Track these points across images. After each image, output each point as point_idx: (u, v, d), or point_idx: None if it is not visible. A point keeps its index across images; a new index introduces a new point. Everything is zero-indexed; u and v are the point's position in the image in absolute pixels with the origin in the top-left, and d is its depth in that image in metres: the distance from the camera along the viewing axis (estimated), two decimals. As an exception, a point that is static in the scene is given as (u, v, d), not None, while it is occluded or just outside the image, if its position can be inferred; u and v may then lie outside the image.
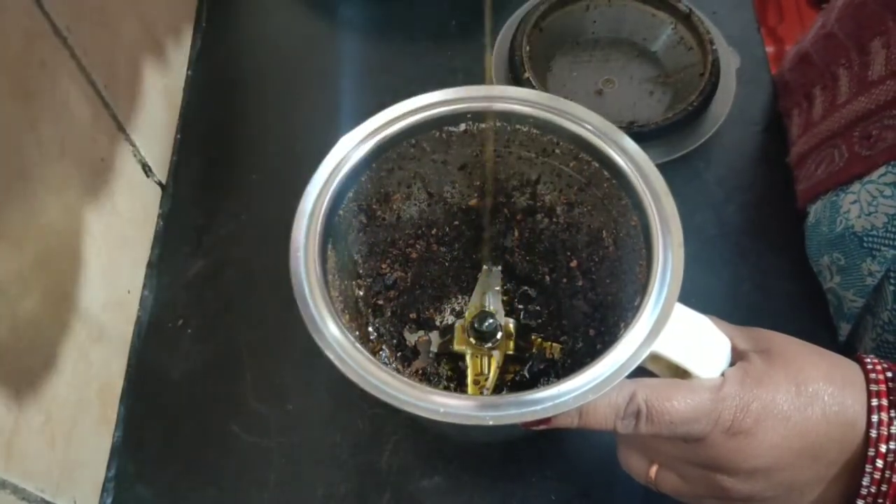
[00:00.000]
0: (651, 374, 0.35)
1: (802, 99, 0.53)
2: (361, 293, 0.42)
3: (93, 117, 0.46)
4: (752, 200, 0.54)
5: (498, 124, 0.40)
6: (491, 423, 0.30)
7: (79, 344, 0.43)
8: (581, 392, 0.31)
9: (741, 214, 0.54)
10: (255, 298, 0.51)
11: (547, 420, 0.32)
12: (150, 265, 0.52)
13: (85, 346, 0.44)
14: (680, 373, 0.34)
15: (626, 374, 0.31)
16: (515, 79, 0.55)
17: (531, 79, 0.54)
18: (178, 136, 0.58)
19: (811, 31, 0.53)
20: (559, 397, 0.30)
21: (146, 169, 0.53)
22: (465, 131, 0.40)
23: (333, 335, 0.32)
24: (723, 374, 0.33)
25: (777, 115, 0.57)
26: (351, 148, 0.38)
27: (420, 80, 0.60)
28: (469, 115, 0.39)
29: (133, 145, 0.51)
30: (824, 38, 0.50)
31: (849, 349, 0.48)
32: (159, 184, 0.55)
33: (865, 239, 0.44)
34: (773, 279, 0.51)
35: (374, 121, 0.38)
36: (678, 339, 0.33)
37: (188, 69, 0.61)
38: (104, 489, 0.45)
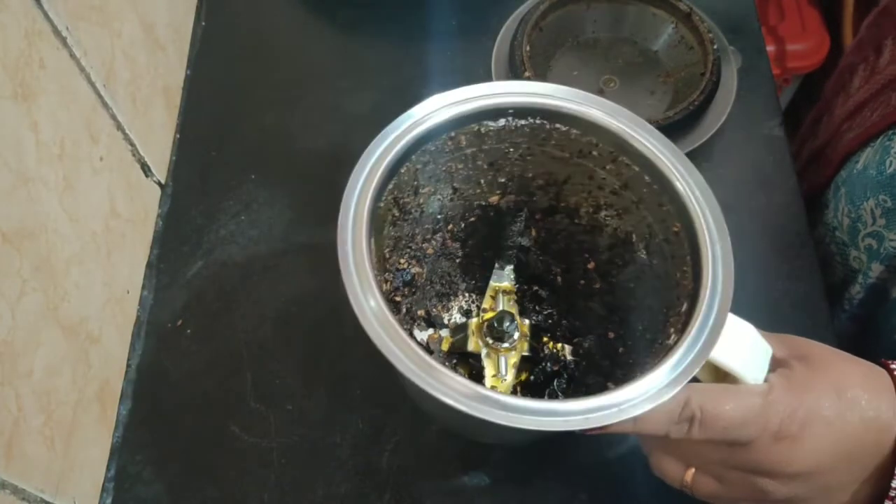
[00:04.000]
0: (693, 379, 0.35)
1: (871, 52, 0.54)
2: (386, 288, 0.42)
3: (92, 117, 0.46)
4: (752, 200, 0.54)
5: (537, 122, 0.39)
6: (576, 429, 0.30)
7: (78, 344, 0.43)
8: (644, 399, 0.31)
9: (742, 214, 0.53)
10: (255, 298, 0.51)
11: (605, 426, 0.33)
12: (149, 265, 0.52)
13: (84, 346, 0.44)
14: (720, 377, 0.35)
15: (688, 380, 0.32)
16: (515, 78, 0.55)
17: (531, 78, 0.54)
18: (178, 135, 0.58)
19: None
20: (621, 404, 0.31)
21: (145, 169, 0.53)
22: (504, 127, 0.39)
23: (410, 348, 0.31)
24: (766, 380, 0.34)
25: (779, 114, 0.57)
26: (393, 138, 0.37)
27: (420, 80, 0.60)
28: (511, 111, 0.39)
29: (132, 145, 0.51)
30: None
31: (877, 292, 0.50)
32: (158, 183, 0.55)
33: None
34: (774, 279, 0.51)
35: (419, 109, 0.37)
36: (730, 347, 0.33)
37: (188, 69, 0.61)
38: (104, 489, 0.45)
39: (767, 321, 0.37)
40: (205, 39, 0.63)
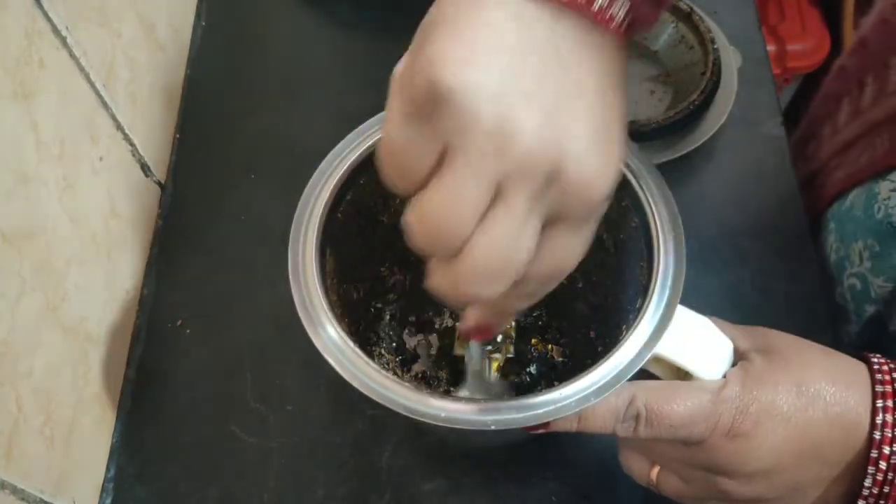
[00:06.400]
0: (652, 376, 0.35)
1: (854, 86, 0.53)
2: (361, 296, 0.42)
3: (92, 117, 0.46)
4: (753, 201, 0.54)
5: None
6: (493, 427, 0.30)
7: (78, 344, 0.43)
8: (583, 396, 0.31)
9: (742, 215, 0.53)
10: (255, 298, 0.51)
11: (546, 424, 0.32)
12: (149, 265, 0.52)
13: (84, 346, 0.44)
14: (681, 374, 0.34)
15: (628, 377, 0.31)
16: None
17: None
18: (178, 135, 0.58)
19: (871, 16, 0.53)
20: (561, 401, 0.30)
21: (145, 169, 0.53)
22: None
23: (333, 340, 0.32)
24: (724, 376, 0.33)
25: (779, 114, 0.57)
26: (348, 150, 0.38)
27: (420, 80, 0.60)
28: None
29: (132, 145, 0.51)
30: (880, 24, 0.49)
31: (877, 325, 0.48)
32: (158, 184, 0.55)
33: None
34: (773, 280, 0.51)
35: (372, 122, 0.38)
36: (680, 341, 0.33)
37: (188, 69, 0.61)
38: (104, 489, 0.45)
39: (767, 321, 0.37)
40: (205, 39, 0.63)
